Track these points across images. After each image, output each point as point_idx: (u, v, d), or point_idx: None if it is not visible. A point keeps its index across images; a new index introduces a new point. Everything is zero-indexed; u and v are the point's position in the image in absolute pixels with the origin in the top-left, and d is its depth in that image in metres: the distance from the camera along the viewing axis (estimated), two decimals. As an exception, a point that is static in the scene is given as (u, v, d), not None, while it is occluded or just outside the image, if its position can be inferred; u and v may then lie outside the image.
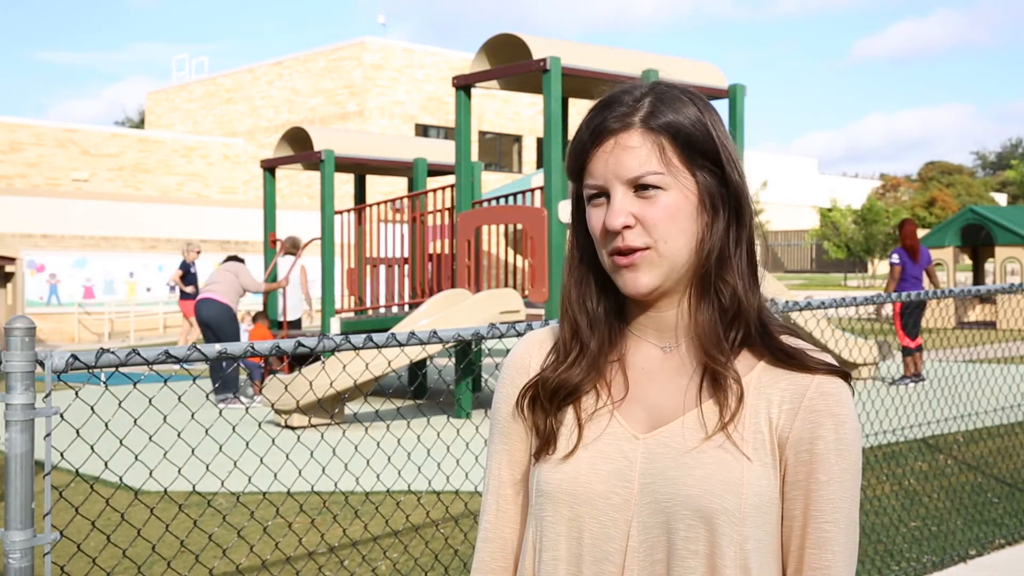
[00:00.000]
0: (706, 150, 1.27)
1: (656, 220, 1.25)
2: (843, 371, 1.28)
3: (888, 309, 12.18)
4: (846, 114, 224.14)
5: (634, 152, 1.26)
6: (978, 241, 22.14)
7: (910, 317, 11.41)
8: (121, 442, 2.62)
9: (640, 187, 1.26)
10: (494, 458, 1.44)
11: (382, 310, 12.66)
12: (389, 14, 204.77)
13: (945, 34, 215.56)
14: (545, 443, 1.33)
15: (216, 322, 10.96)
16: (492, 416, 1.45)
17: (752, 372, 1.28)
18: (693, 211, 1.27)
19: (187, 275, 16.02)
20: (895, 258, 11.67)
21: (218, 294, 11.15)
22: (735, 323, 1.28)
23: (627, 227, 1.26)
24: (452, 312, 9.44)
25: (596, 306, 1.34)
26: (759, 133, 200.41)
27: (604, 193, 1.28)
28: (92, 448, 2.64)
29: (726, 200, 1.28)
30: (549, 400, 1.34)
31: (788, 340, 1.30)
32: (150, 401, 2.46)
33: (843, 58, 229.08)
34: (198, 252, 16.11)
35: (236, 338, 11.31)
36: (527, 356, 1.41)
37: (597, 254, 1.32)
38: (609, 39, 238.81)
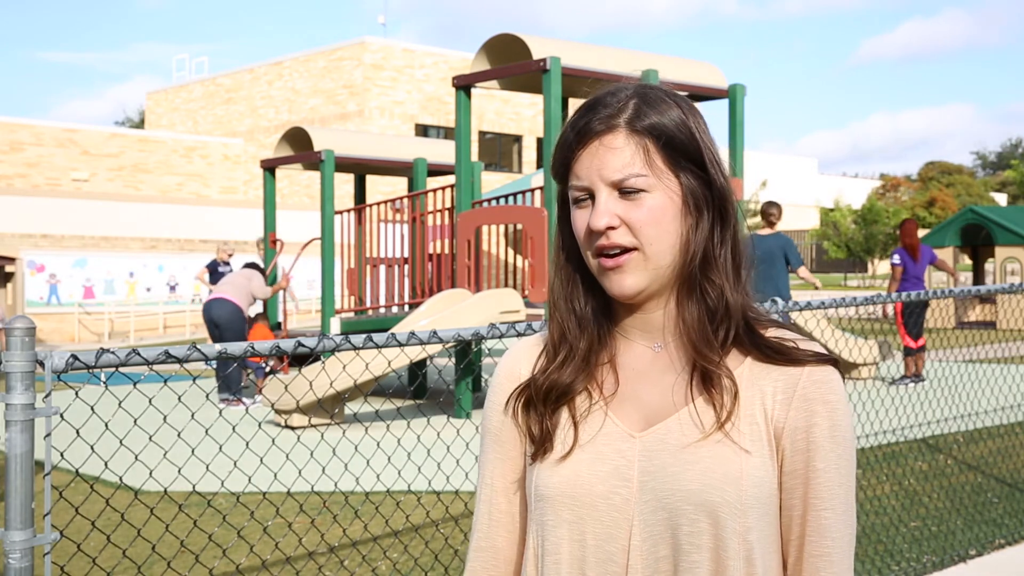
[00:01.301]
0: (690, 152, 1.28)
1: (641, 222, 1.26)
2: (831, 358, 1.29)
3: (891, 309, 12.16)
4: (850, 114, 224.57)
5: (618, 154, 1.26)
6: (978, 241, 22.15)
7: (911, 317, 11.40)
8: (121, 442, 2.61)
9: (625, 189, 1.26)
10: (487, 466, 1.44)
11: (382, 310, 12.66)
12: (395, 16, 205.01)
13: (953, 34, 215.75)
14: (541, 446, 1.33)
15: (226, 321, 10.96)
16: (483, 424, 1.45)
17: (743, 365, 1.29)
18: (677, 213, 1.28)
19: (214, 274, 15.86)
20: (895, 259, 11.65)
21: (230, 295, 11.14)
22: (723, 323, 1.28)
23: (611, 228, 1.26)
24: (452, 312, 9.43)
25: (584, 307, 1.35)
26: (763, 133, 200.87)
27: (589, 194, 1.29)
28: (92, 448, 2.63)
29: (710, 201, 1.29)
30: (542, 402, 1.34)
31: (776, 332, 1.31)
32: (150, 401, 2.46)
33: (849, 58, 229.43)
34: (231, 254, 15.95)
35: (242, 339, 11.31)
36: (517, 363, 1.42)
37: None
38: (615, 40, 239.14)
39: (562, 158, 1.31)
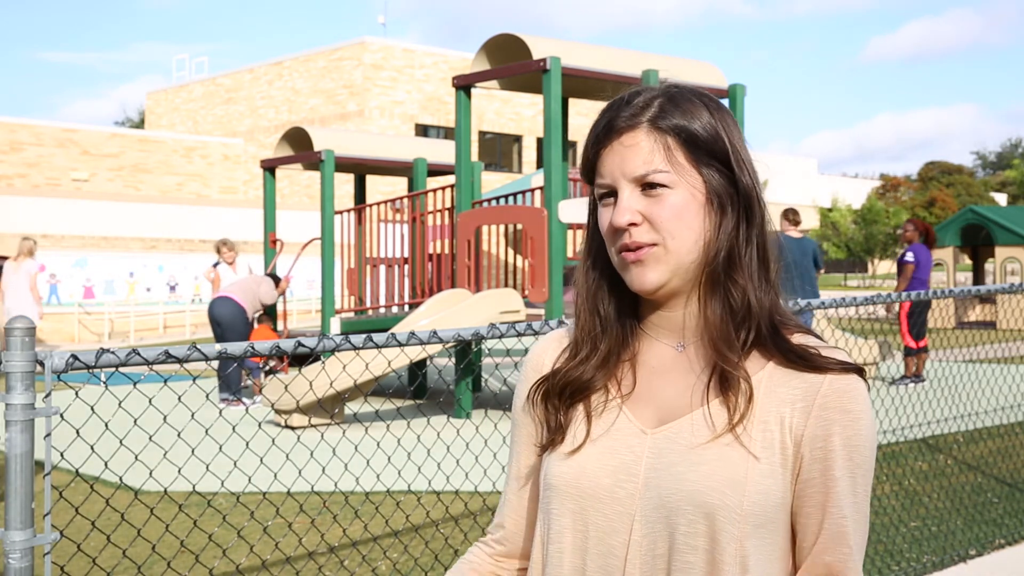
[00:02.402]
0: (714, 151, 1.28)
1: (663, 218, 1.26)
2: (856, 367, 1.28)
3: (893, 308, 12.05)
4: (856, 114, 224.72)
5: (639, 151, 1.27)
6: (978, 241, 22.15)
7: (912, 317, 11.34)
8: (121, 442, 2.61)
9: (647, 186, 1.27)
10: (511, 452, 1.49)
11: (382, 310, 12.66)
12: (401, 17, 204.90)
13: (959, 34, 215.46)
14: (554, 437, 1.36)
15: (228, 320, 10.94)
16: (511, 413, 1.49)
17: (763, 371, 1.29)
18: (700, 210, 1.28)
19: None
20: (910, 256, 11.44)
21: (235, 295, 11.13)
22: (745, 323, 1.28)
23: (633, 224, 1.27)
24: (452, 312, 9.43)
25: (608, 306, 1.36)
26: (769, 133, 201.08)
27: (612, 192, 1.30)
28: (92, 448, 2.63)
29: (735, 200, 1.29)
30: (559, 396, 1.36)
31: (801, 339, 1.30)
32: (150, 401, 2.46)
33: (856, 58, 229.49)
34: (236, 254, 15.83)
35: (244, 339, 11.28)
36: (543, 354, 1.44)
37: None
38: (620, 41, 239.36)
39: (587, 157, 1.33)
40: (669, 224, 1.26)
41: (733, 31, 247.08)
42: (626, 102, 1.30)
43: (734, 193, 1.29)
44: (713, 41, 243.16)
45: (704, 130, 1.28)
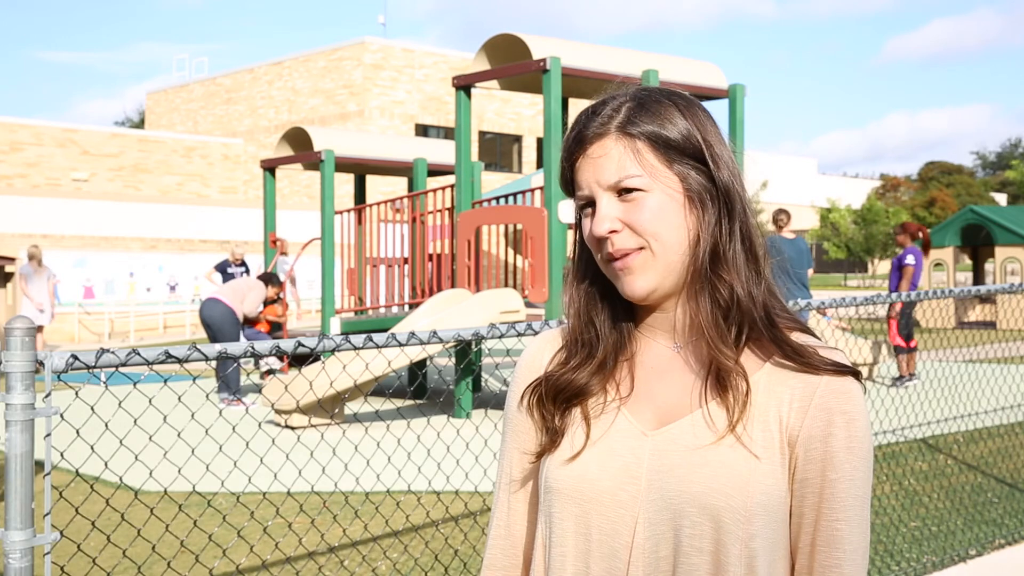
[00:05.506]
0: (686, 149, 1.28)
1: (643, 221, 1.26)
2: (853, 369, 1.28)
3: (884, 308, 12.09)
4: (868, 114, 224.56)
5: (610, 159, 1.27)
6: (978, 241, 22.14)
7: (903, 317, 11.37)
8: (121, 442, 2.61)
9: (623, 191, 1.27)
10: (505, 456, 1.45)
11: (382, 310, 12.66)
12: (416, 19, 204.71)
13: (974, 34, 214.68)
14: (552, 440, 1.34)
15: (217, 323, 10.95)
16: (504, 414, 1.47)
17: (761, 371, 1.28)
18: (680, 209, 1.27)
19: (224, 275, 15.71)
20: (911, 259, 11.48)
21: (225, 297, 11.14)
22: (736, 318, 1.28)
23: (614, 232, 1.27)
24: (452, 312, 9.43)
25: (603, 314, 1.35)
26: (781, 133, 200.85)
27: (592, 202, 1.30)
28: (92, 448, 2.63)
29: (715, 196, 1.29)
30: (554, 400, 1.35)
31: (799, 338, 1.30)
32: (150, 401, 2.46)
33: (873, 58, 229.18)
34: (242, 255, 15.82)
35: (235, 340, 11.28)
36: (539, 354, 1.43)
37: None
38: (637, 43, 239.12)
39: (564, 171, 1.33)
40: (650, 227, 1.26)
41: (752, 32, 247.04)
42: (594, 112, 1.30)
43: (713, 189, 1.28)
44: (732, 42, 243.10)
45: (675, 130, 1.27)
